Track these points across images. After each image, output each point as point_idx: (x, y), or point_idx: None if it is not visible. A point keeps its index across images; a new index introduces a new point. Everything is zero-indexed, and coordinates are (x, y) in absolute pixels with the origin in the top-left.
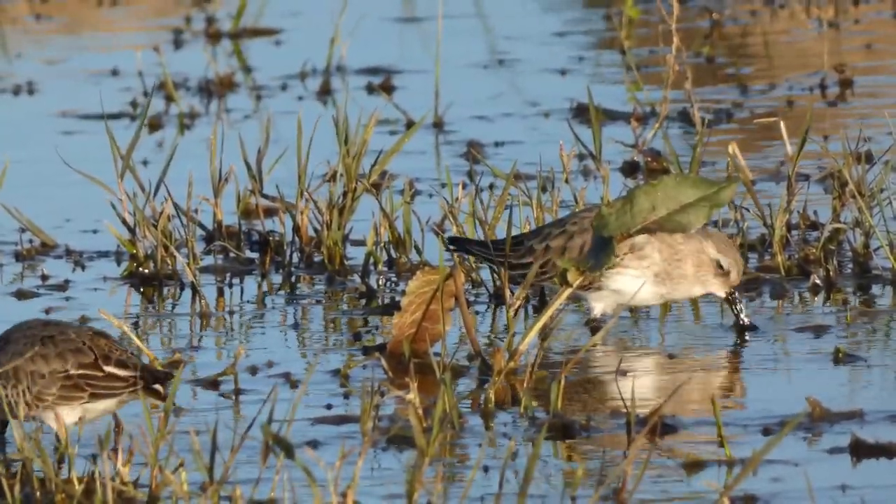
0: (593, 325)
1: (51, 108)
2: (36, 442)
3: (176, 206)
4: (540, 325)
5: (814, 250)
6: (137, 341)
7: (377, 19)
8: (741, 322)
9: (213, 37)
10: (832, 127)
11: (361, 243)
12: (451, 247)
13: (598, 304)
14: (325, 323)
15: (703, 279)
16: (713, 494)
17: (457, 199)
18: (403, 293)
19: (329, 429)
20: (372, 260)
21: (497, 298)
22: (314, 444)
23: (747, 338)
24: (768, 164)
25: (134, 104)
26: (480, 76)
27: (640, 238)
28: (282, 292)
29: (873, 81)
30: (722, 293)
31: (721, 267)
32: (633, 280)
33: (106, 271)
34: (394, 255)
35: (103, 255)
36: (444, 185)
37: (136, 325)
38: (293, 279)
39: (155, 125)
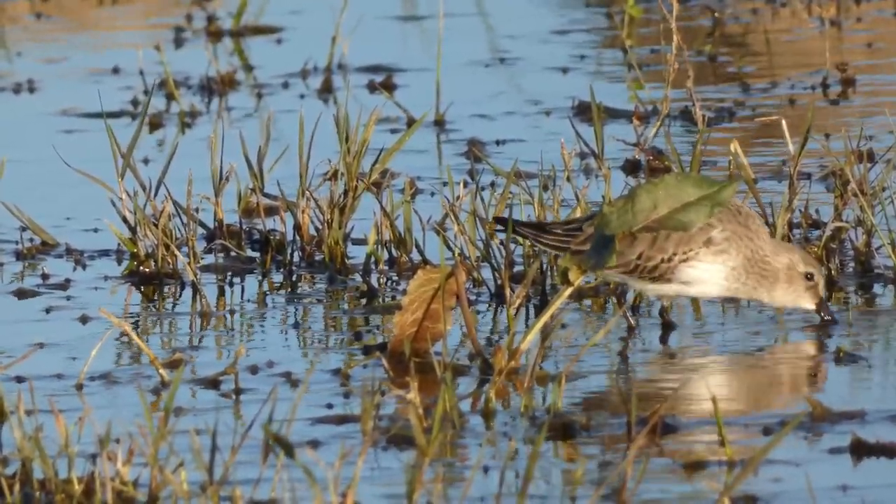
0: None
1: (51, 106)
2: (35, 441)
3: (176, 204)
4: (541, 324)
5: (815, 249)
6: (138, 340)
7: (378, 17)
8: (824, 319)
9: (214, 35)
10: (834, 125)
11: (363, 242)
12: (498, 227)
13: (659, 293)
14: (326, 322)
15: (796, 294)
16: (713, 494)
17: (458, 197)
18: (404, 292)
19: (329, 428)
20: (373, 259)
21: (498, 297)
22: (314, 444)
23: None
24: (770, 162)
25: (135, 103)
26: (481, 74)
27: (717, 233)
28: (283, 291)
29: (875, 80)
30: (812, 306)
31: (810, 278)
32: (704, 273)
33: (107, 270)
34: (395, 254)
35: (104, 253)
36: (445, 184)
37: (136, 325)
38: (294, 278)
39: (156, 124)
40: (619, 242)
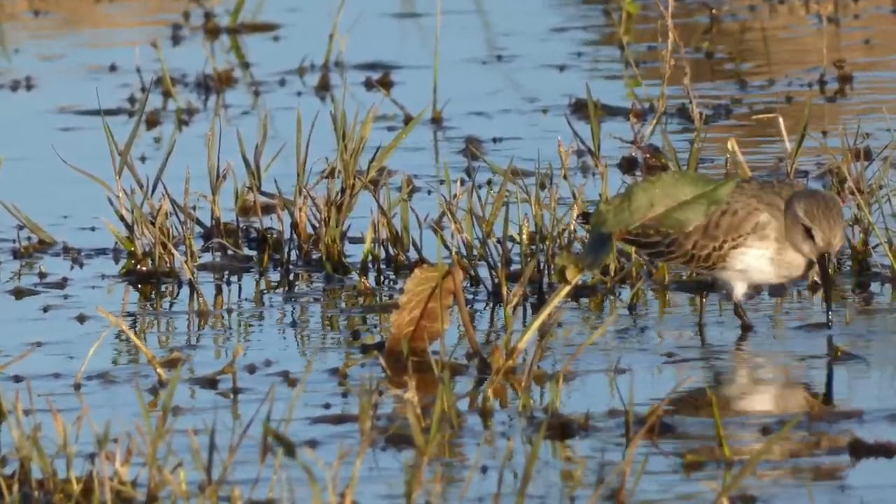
0: (736, 308)
1: (49, 103)
2: (34, 441)
3: (174, 203)
4: (538, 323)
5: None
6: (135, 339)
7: (376, 15)
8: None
9: (212, 32)
10: (831, 123)
11: (360, 240)
12: (583, 222)
13: (739, 285)
14: (324, 321)
15: (797, 245)
16: (712, 494)
17: (455, 195)
18: (402, 291)
19: (327, 428)
20: (370, 257)
21: (496, 296)
22: (312, 444)
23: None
24: (767, 160)
25: (132, 100)
26: (479, 72)
27: (764, 217)
28: (280, 290)
29: (872, 77)
30: (812, 257)
31: (808, 232)
32: (755, 259)
33: (104, 269)
34: (392, 252)
35: (101, 252)
36: (442, 182)
37: (133, 324)
38: (291, 277)
39: (153, 121)
40: (675, 234)
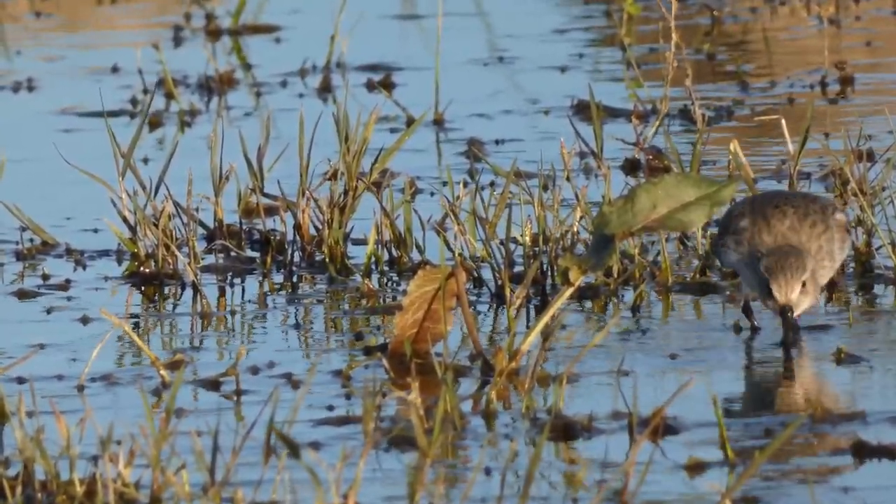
0: (744, 308)
1: (51, 105)
2: (37, 443)
3: (176, 204)
4: (542, 325)
5: None
6: (138, 341)
7: (377, 16)
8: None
9: (213, 34)
10: (833, 125)
11: (363, 242)
12: None
13: (745, 284)
14: (327, 323)
15: (763, 298)
16: (715, 496)
17: (458, 197)
18: (405, 292)
19: (330, 430)
20: (373, 259)
21: (499, 298)
22: (316, 446)
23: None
24: (770, 162)
25: (134, 101)
26: (480, 73)
27: (744, 222)
28: (283, 292)
29: (874, 79)
30: (775, 312)
31: (768, 286)
32: (733, 259)
33: (107, 270)
34: (395, 254)
35: (104, 254)
36: (444, 184)
37: (136, 325)
38: (294, 278)
39: (155, 123)
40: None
